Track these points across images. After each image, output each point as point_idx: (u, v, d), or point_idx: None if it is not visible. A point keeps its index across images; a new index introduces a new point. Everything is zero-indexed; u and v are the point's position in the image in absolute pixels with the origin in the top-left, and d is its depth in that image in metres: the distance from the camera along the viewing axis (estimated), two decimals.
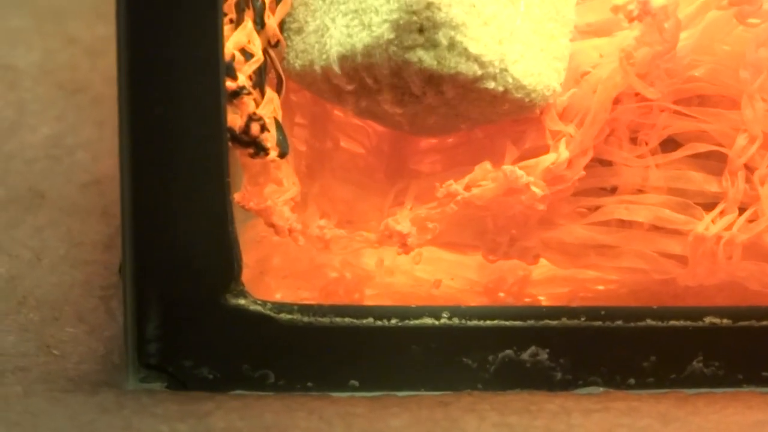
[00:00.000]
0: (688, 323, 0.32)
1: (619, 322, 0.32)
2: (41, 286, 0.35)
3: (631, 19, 0.31)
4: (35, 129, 0.43)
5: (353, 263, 0.38)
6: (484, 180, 0.34)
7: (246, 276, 0.35)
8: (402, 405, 0.30)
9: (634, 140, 0.32)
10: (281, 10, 0.34)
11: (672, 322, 0.32)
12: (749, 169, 0.31)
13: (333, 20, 0.33)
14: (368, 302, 0.38)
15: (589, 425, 0.30)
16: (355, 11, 0.33)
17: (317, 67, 0.33)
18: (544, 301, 0.37)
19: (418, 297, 0.38)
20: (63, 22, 0.45)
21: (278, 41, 0.33)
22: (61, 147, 0.39)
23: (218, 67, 0.30)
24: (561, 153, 0.34)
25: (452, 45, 0.32)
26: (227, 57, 0.31)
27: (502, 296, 0.37)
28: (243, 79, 0.32)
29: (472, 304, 0.37)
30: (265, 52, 0.34)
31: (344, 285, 0.37)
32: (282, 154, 0.34)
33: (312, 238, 0.35)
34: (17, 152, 0.41)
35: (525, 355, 0.32)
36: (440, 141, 0.37)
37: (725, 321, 0.32)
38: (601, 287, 0.35)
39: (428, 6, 0.32)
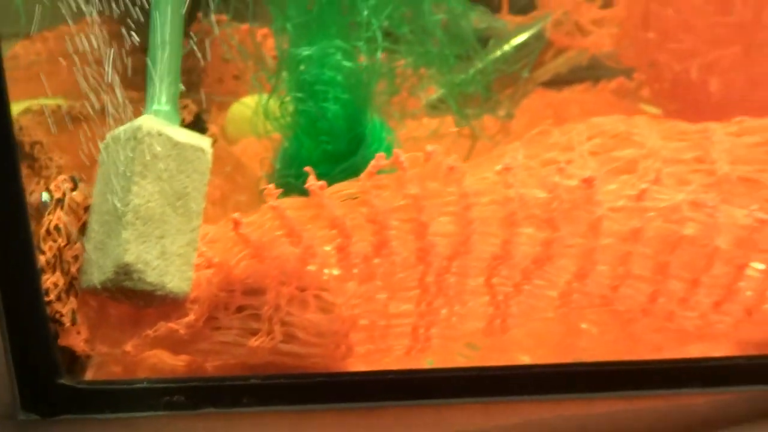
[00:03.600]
0: (240, 382, 0.55)
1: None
2: None
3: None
4: None
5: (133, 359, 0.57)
6: (161, 328, 0.55)
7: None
8: (138, 423, 0.56)
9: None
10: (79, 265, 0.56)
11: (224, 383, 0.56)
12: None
13: (92, 270, 0.55)
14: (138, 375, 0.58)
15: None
16: (101, 266, 0.54)
17: (88, 287, 0.55)
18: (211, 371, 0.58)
19: (162, 371, 0.59)
20: None
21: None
22: None
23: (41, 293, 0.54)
24: (191, 316, 0.54)
25: (140, 279, 0.53)
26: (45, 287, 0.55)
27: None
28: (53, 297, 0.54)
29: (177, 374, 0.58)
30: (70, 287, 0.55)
31: (130, 366, 0.58)
32: (73, 324, 0.54)
33: (102, 353, 0.56)
34: None
35: (178, 398, 0.55)
36: (148, 311, 0.56)
37: (259, 381, 0.55)
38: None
39: (126, 264, 0.53)
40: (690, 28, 0.73)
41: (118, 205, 0.56)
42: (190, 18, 1.05)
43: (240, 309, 0.57)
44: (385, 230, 0.55)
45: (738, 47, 0.72)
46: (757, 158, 0.66)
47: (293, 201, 0.55)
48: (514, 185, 0.55)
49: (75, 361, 0.58)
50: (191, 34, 0.90)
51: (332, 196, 0.55)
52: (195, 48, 0.95)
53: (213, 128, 0.91)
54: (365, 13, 0.69)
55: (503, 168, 0.55)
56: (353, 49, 0.69)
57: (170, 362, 0.60)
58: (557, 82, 0.94)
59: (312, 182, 0.54)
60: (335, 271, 0.56)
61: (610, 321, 0.61)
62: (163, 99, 0.58)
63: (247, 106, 0.89)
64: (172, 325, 0.56)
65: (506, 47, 0.85)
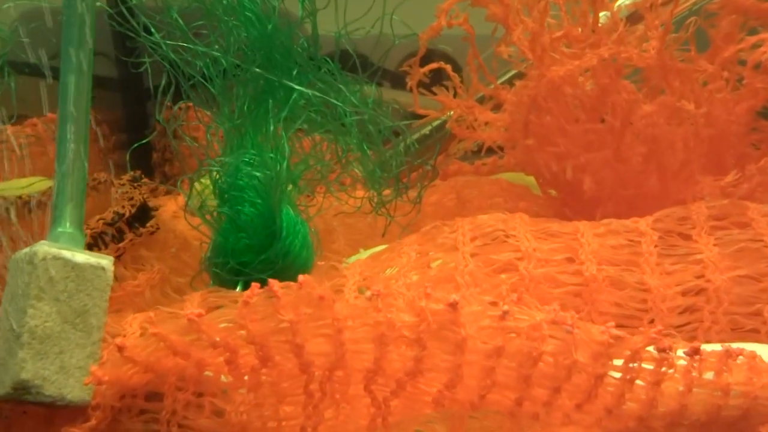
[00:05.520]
0: None
1: None
2: None
3: None
4: None
5: None
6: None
7: None
8: None
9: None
10: None
11: None
12: None
13: None
14: None
15: None
16: (2, 381, 0.44)
17: None
18: None
19: None
20: None
21: None
22: None
23: None
24: (93, 422, 0.44)
25: (38, 393, 0.43)
26: None
27: None
28: None
29: None
30: None
31: None
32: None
33: None
34: None
35: None
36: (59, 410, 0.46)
37: None
38: None
39: (23, 381, 0.43)
40: (565, 133, 0.60)
41: (14, 326, 0.44)
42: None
43: (142, 412, 0.46)
44: (266, 349, 0.43)
45: (608, 150, 0.60)
46: (621, 259, 0.54)
47: (176, 327, 0.43)
48: (382, 310, 0.42)
49: None
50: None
51: (211, 323, 0.43)
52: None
53: (170, 205, 0.78)
54: (272, 128, 0.56)
55: (373, 294, 0.43)
56: (265, 159, 0.57)
57: None
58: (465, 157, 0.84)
59: (190, 311, 0.42)
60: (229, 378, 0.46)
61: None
62: (67, 222, 0.46)
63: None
64: (74, 430, 0.45)
65: (413, 137, 0.73)
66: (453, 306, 0.43)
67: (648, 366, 0.45)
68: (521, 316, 0.44)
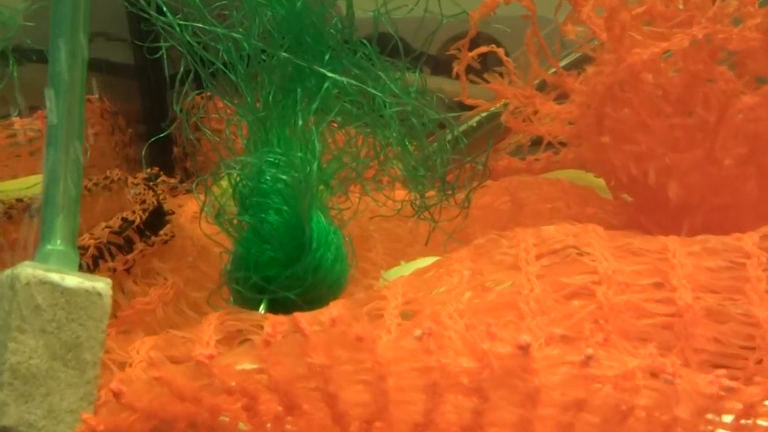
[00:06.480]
0: None
1: None
2: None
3: None
4: None
5: None
6: None
7: None
8: None
9: None
10: None
11: None
12: None
13: None
14: None
15: None
16: None
17: None
18: None
19: None
20: None
21: None
22: None
23: None
24: None
25: None
26: None
27: None
28: None
29: None
30: None
31: None
32: None
33: None
34: None
35: None
36: None
37: None
38: None
39: (5, 429, 0.36)
40: (647, 129, 0.51)
41: None
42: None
43: None
44: (291, 396, 0.36)
45: (699, 150, 0.51)
46: (722, 285, 0.45)
47: (184, 369, 0.36)
48: (435, 352, 0.35)
49: None
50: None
51: (225, 365, 0.35)
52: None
53: (190, 205, 0.70)
54: (301, 121, 0.49)
55: (423, 333, 0.35)
56: (293, 158, 0.50)
57: None
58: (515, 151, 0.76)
59: (200, 351, 0.35)
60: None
61: None
62: (57, 238, 0.39)
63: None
64: None
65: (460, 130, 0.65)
66: (523, 349, 0.35)
67: (763, 423, 0.37)
68: (609, 362, 0.36)
